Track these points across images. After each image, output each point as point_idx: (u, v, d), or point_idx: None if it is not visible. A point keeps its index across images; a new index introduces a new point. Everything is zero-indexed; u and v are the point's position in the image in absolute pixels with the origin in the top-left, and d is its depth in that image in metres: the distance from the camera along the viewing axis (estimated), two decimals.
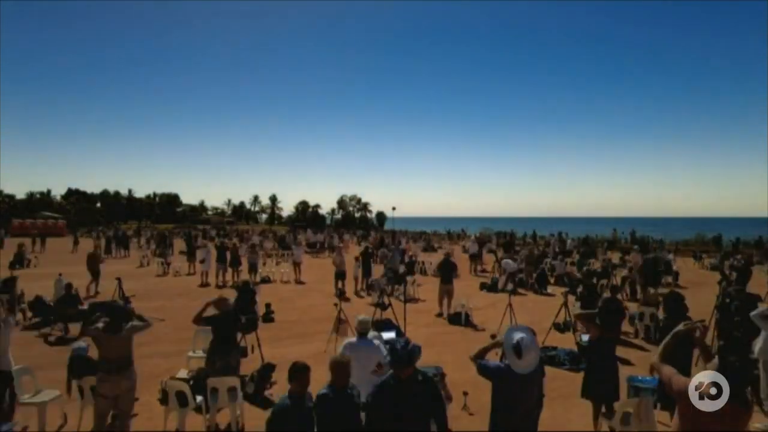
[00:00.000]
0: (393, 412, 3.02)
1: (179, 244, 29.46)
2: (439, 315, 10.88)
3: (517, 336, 3.25)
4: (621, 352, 8.21)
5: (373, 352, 4.36)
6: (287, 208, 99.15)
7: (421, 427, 3.12)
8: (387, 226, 71.47)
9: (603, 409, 5.05)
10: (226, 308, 5.79)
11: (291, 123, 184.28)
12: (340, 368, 3.37)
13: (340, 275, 14.14)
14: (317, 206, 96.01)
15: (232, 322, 5.74)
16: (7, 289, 10.25)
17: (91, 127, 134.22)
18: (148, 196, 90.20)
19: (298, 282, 16.93)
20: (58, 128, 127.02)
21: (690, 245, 29.08)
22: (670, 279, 16.20)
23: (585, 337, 8.34)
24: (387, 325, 7.98)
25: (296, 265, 18.05)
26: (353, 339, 4.61)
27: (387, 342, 4.33)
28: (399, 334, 7.79)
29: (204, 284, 15.76)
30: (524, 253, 18.08)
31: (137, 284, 15.06)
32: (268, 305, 10.96)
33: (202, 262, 16.47)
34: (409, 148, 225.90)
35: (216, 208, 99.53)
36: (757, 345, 6.00)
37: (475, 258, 19.92)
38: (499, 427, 3.35)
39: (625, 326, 9.82)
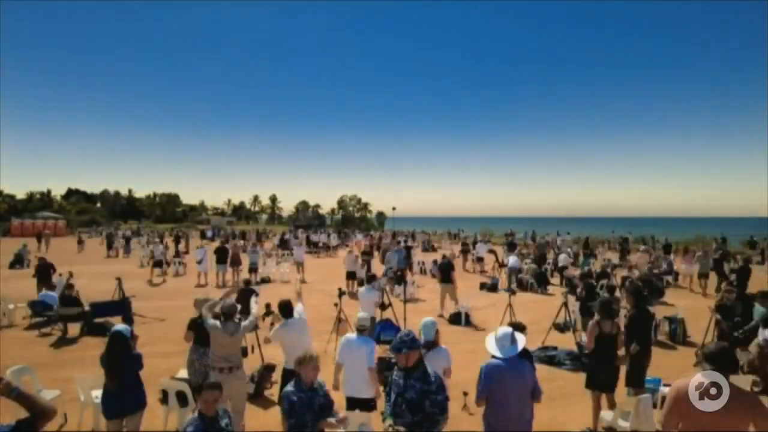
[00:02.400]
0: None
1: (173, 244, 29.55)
2: (440, 316, 10.89)
3: (495, 334, 3.58)
4: (620, 351, 8.24)
5: (368, 350, 4.57)
6: (287, 208, 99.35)
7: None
8: (387, 226, 71.45)
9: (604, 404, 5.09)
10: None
11: (291, 123, 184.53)
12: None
13: (351, 275, 14.39)
14: (317, 206, 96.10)
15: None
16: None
17: (91, 127, 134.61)
18: (148, 196, 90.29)
19: (302, 281, 17.00)
20: (58, 128, 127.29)
21: (690, 245, 28.98)
22: (670, 278, 16.20)
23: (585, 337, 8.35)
24: (387, 325, 7.98)
25: (298, 265, 18.13)
26: (352, 335, 4.73)
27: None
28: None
29: (201, 284, 15.73)
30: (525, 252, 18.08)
31: (137, 284, 15.08)
32: (267, 305, 10.93)
33: (199, 262, 16.46)
34: (409, 147, 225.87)
35: (216, 208, 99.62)
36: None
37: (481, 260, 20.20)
38: (492, 426, 3.45)
39: None
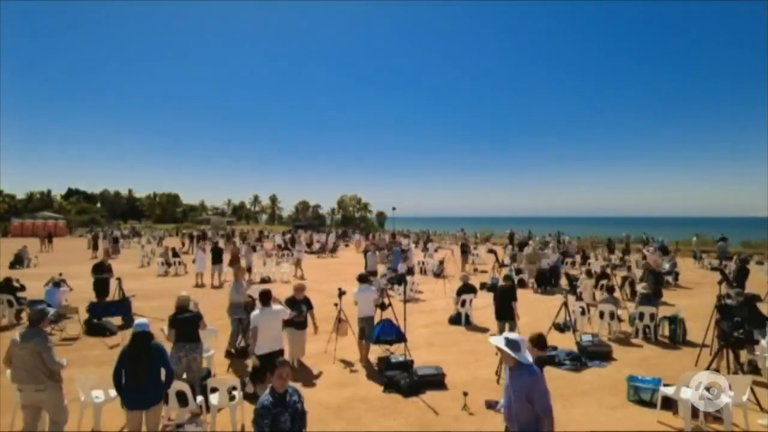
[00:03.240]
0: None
1: (175, 242, 29.52)
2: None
3: (501, 336, 3.54)
4: (620, 351, 8.25)
5: None
6: (287, 208, 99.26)
7: None
8: (387, 226, 71.39)
9: None
10: (185, 305, 6.05)
11: (291, 123, 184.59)
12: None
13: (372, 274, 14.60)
14: (317, 206, 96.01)
15: (194, 320, 5.88)
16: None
17: (91, 127, 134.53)
18: (148, 196, 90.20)
19: (301, 279, 17.09)
20: (58, 128, 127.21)
21: (690, 245, 29.01)
22: (670, 279, 16.19)
23: (585, 337, 8.36)
24: (388, 325, 7.97)
25: (297, 263, 18.39)
26: None
27: None
28: (399, 334, 7.78)
29: (198, 285, 15.72)
30: (525, 253, 18.02)
31: (137, 284, 15.07)
32: None
33: (194, 261, 16.49)
34: (409, 148, 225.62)
35: (216, 208, 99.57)
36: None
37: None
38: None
39: (625, 326, 9.84)
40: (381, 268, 16.87)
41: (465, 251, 21.06)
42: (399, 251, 17.19)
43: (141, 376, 4.19)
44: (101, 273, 11.56)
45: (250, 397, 5.88)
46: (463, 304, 10.55)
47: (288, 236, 32.34)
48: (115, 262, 23.51)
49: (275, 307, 6.11)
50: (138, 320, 4.48)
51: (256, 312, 5.91)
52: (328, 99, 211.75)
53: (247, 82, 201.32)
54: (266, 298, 6.03)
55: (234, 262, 16.52)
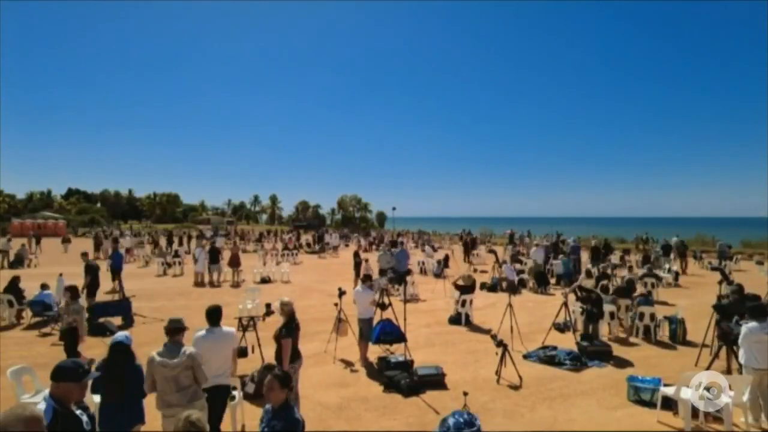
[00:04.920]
0: None
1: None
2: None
3: None
4: (620, 351, 8.25)
5: None
6: (287, 208, 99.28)
7: None
8: (387, 226, 71.37)
9: None
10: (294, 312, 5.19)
11: (291, 123, 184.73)
12: None
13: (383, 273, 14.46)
14: (317, 206, 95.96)
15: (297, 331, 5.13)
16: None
17: (91, 127, 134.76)
18: (148, 196, 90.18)
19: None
20: (58, 128, 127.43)
21: (690, 245, 28.96)
22: (670, 279, 16.19)
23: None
24: (388, 325, 7.97)
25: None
26: None
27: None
28: (399, 334, 7.78)
29: (198, 284, 15.79)
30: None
31: (138, 284, 15.07)
32: (267, 305, 10.92)
33: (196, 261, 16.48)
34: (409, 148, 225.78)
35: (216, 208, 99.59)
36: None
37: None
38: None
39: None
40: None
41: (466, 249, 20.94)
42: (405, 252, 17.19)
43: (114, 395, 3.79)
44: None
45: (250, 397, 5.90)
46: (463, 304, 10.54)
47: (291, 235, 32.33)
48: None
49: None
50: (118, 335, 4.06)
51: (199, 335, 4.47)
52: (328, 99, 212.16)
53: (248, 82, 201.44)
54: (214, 315, 4.56)
55: (233, 262, 16.54)
